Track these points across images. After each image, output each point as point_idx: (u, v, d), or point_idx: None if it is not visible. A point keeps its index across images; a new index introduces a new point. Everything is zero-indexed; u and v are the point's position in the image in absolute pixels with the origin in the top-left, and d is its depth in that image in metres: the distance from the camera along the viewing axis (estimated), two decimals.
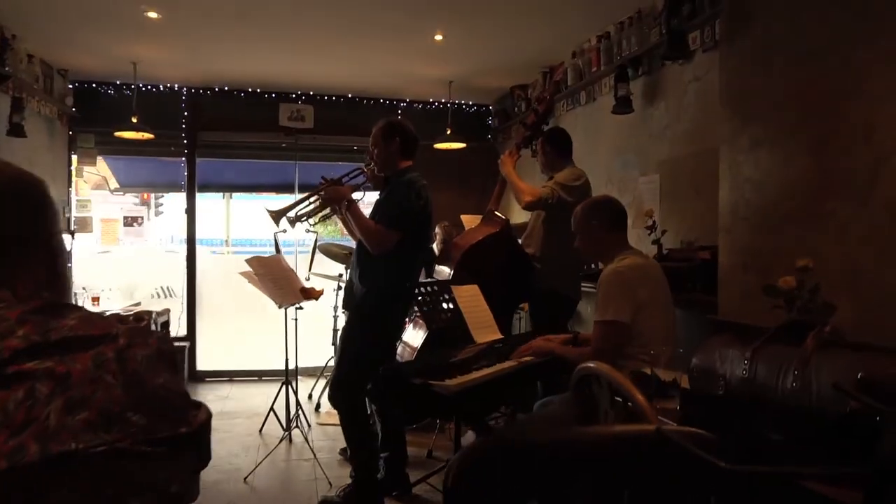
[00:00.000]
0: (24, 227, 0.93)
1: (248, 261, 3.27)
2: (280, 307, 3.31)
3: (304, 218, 3.02)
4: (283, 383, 4.03)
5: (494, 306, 3.08)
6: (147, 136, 5.10)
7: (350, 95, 6.03)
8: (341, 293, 4.90)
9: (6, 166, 0.94)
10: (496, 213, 3.56)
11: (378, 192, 3.83)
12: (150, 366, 0.90)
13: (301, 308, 3.60)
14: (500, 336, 2.92)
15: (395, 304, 2.93)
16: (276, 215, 2.96)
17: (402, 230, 2.84)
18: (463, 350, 2.65)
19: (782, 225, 2.19)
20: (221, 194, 9.57)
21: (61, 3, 3.79)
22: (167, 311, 4.83)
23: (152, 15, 3.91)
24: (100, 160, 7.31)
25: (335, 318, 4.99)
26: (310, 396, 5.07)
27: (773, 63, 2.27)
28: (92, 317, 0.91)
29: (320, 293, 3.44)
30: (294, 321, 4.00)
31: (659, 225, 3.36)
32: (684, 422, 1.55)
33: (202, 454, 0.90)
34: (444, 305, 2.97)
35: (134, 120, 5.00)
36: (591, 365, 1.51)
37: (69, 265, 1.06)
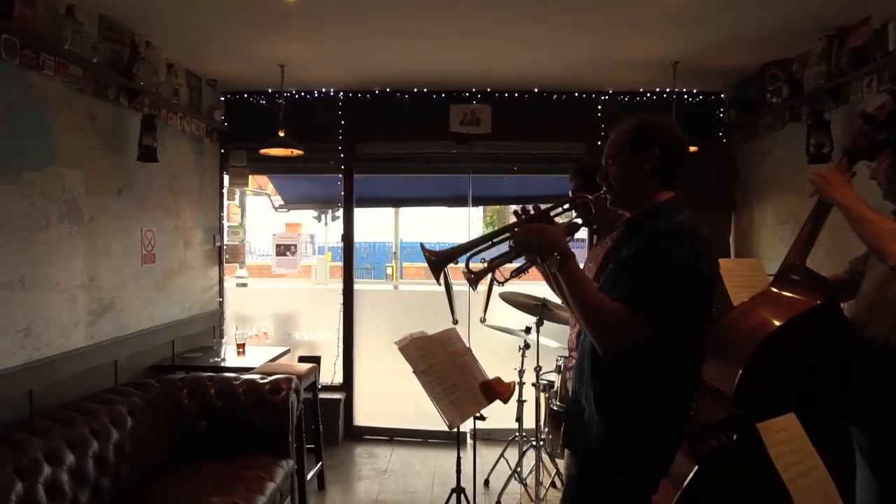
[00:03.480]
0: None
1: (401, 350, 2.14)
2: (452, 428, 2.11)
3: (495, 266, 1.81)
4: (454, 491, 2.91)
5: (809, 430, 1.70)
6: (296, 152, 4.28)
7: (536, 90, 4.78)
8: (528, 354, 3.70)
9: None
10: (806, 268, 2.11)
11: (589, 229, 2.57)
12: None
13: (483, 418, 2.38)
14: None
15: (665, 447, 1.63)
16: (437, 263, 1.78)
17: (665, 316, 1.53)
18: None
19: None
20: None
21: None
22: (314, 368, 3.93)
23: None
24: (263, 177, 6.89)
25: (520, 384, 3.77)
26: (486, 483, 3.92)
27: None
28: None
29: (511, 390, 2.24)
30: None
31: None
32: None
33: None
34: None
35: (281, 134, 4.20)
36: None
37: None
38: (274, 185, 6.96)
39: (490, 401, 2.22)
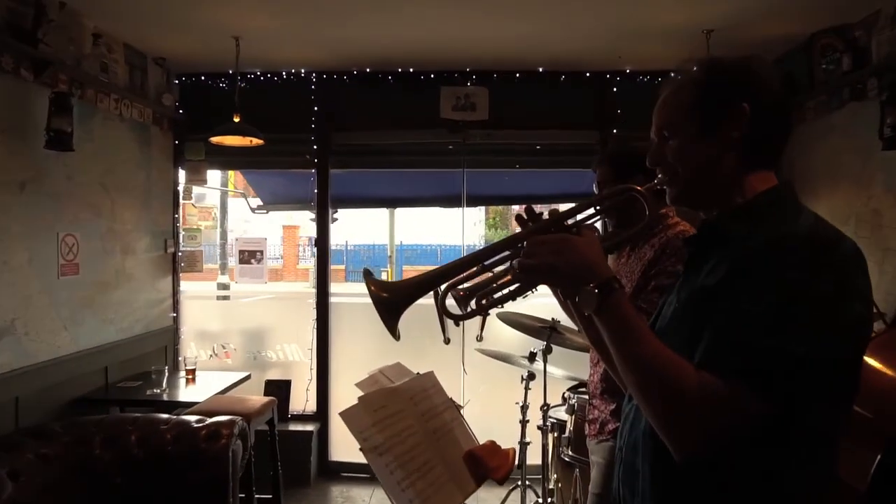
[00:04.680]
0: None
1: (344, 417, 1.44)
2: None
3: (489, 303, 1.12)
4: None
5: None
6: (256, 141, 3.60)
7: (540, 70, 4.09)
8: (533, 384, 3.02)
9: None
10: None
11: (636, 250, 1.91)
12: None
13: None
14: None
15: None
16: (389, 306, 1.09)
17: (787, 391, 0.85)
18: None
19: None
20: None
21: None
22: (272, 402, 3.25)
23: None
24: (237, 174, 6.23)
25: (523, 422, 3.08)
26: None
27: None
28: None
29: (510, 463, 1.56)
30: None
31: None
32: None
33: None
34: None
35: (236, 119, 3.53)
36: None
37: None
38: (249, 184, 6.30)
39: (479, 482, 1.55)
